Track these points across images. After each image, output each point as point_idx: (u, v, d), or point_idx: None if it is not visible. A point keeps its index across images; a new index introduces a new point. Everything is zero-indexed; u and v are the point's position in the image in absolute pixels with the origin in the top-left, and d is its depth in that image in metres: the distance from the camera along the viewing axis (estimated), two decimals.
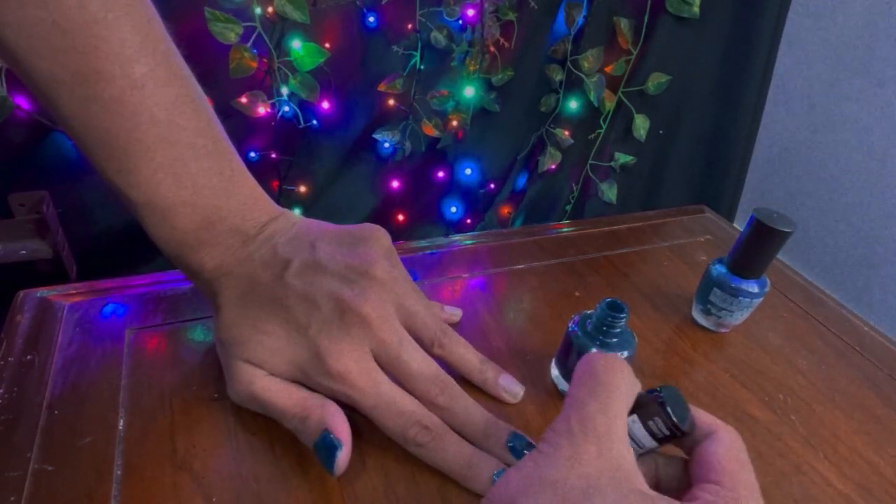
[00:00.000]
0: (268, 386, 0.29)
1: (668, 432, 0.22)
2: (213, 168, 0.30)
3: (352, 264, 0.30)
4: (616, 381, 0.22)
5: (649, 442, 0.22)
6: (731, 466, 0.21)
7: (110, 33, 0.26)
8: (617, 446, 0.20)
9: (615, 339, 0.32)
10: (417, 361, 0.30)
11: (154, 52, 0.27)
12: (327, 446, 0.27)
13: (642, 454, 0.23)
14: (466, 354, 0.33)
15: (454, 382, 0.31)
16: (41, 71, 0.25)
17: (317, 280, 0.30)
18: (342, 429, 0.28)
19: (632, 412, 0.22)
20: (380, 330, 0.29)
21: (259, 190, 0.33)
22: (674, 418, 0.22)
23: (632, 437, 0.22)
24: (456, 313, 0.39)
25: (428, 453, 0.28)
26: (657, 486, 0.23)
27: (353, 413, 0.29)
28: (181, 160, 0.29)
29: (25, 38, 0.25)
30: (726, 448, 0.21)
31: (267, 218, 0.32)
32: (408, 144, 1.11)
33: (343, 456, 0.27)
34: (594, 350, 0.31)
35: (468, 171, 1.22)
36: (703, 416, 0.23)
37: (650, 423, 0.22)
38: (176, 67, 0.29)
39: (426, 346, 0.32)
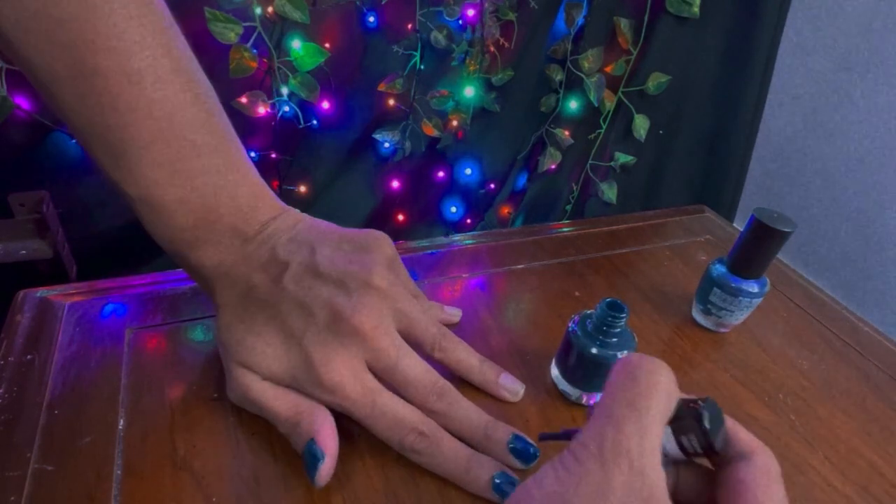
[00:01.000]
0: (262, 390, 0.29)
1: (700, 451, 0.20)
2: (212, 166, 0.30)
3: (350, 271, 0.30)
4: (658, 391, 0.20)
5: (678, 455, 0.21)
6: (765, 496, 0.19)
7: (108, 27, 0.25)
8: (650, 471, 0.18)
9: (615, 339, 0.32)
10: (415, 370, 0.30)
11: (154, 45, 0.27)
12: (311, 457, 0.27)
13: (665, 462, 0.21)
14: (466, 357, 0.33)
15: (452, 388, 0.30)
16: (40, 65, 0.25)
17: (314, 286, 0.29)
18: (327, 438, 0.27)
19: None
20: (374, 340, 0.29)
21: (261, 187, 0.32)
22: (710, 438, 0.20)
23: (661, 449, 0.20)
24: (456, 314, 0.39)
25: (426, 459, 0.28)
26: (675, 493, 0.22)
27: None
28: (179, 157, 0.28)
29: (24, 32, 0.24)
30: (763, 475, 0.20)
31: (268, 217, 0.32)
32: (408, 144, 1.11)
33: (325, 468, 0.26)
34: (595, 350, 0.31)
35: (468, 171, 1.22)
36: (740, 434, 0.21)
37: (683, 438, 0.20)
38: (178, 61, 0.28)
39: (426, 351, 0.31)
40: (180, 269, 0.33)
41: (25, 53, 0.25)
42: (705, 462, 0.22)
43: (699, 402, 0.21)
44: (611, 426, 0.19)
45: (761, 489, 0.19)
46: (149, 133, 0.27)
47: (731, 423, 0.21)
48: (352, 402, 0.28)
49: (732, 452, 0.21)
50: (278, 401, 0.29)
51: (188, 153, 0.29)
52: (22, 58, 0.25)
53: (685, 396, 0.21)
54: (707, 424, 0.20)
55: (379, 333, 0.29)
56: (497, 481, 0.28)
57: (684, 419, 0.20)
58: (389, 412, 0.28)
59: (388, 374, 0.29)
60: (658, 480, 0.18)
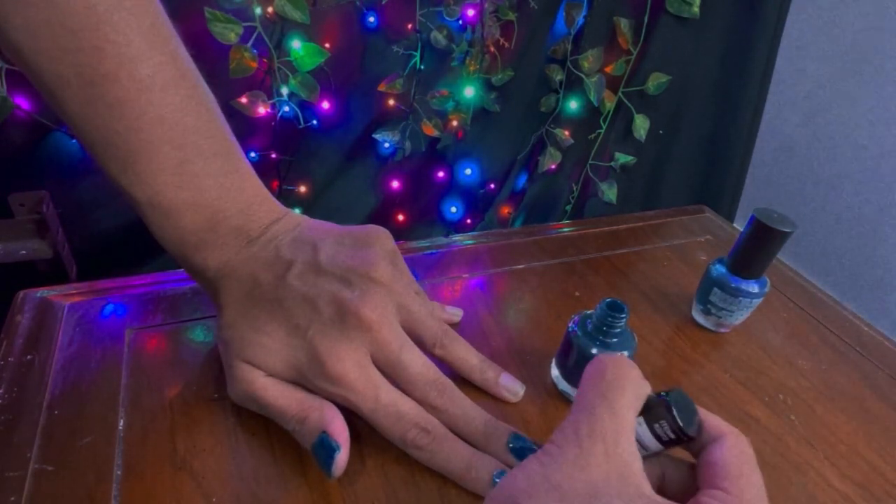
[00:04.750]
0: (267, 386, 0.29)
1: (673, 436, 0.22)
2: (218, 169, 0.30)
3: (353, 266, 0.30)
4: (626, 383, 0.22)
5: (655, 445, 0.22)
6: (737, 471, 0.20)
7: (117, 35, 0.26)
8: (624, 451, 0.20)
9: (615, 339, 0.32)
10: (417, 364, 0.30)
11: (161, 53, 0.27)
12: (325, 448, 0.27)
13: (648, 456, 0.23)
14: (467, 355, 0.33)
15: (453, 385, 0.31)
16: (48, 72, 0.25)
17: (318, 282, 0.30)
18: (340, 431, 0.28)
19: (638, 414, 0.22)
20: (379, 333, 0.29)
21: (264, 190, 0.33)
22: (680, 423, 0.21)
23: (637, 440, 0.22)
24: (457, 313, 0.39)
25: (427, 456, 0.28)
26: (662, 489, 0.23)
27: (353, 414, 0.29)
28: (186, 161, 0.29)
29: (33, 40, 0.25)
30: (734, 453, 0.21)
31: (271, 219, 0.32)
32: (408, 144, 1.11)
33: (341, 458, 0.27)
34: (595, 350, 0.31)
35: (468, 171, 1.22)
36: (711, 420, 0.22)
37: (656, 426, 0.22)
38: (183, 68, 0.29)
39: (427, 348, 0.32)
40: (180, 270, 0.33)
41: (34, 60, 0.25)
42: (683, 452, 0.23)
43: (666, 393, 0.22)
44: (585, 414, 0.21)
45: (734, 466, 0.21)
46: (157, 138, 0.28)
47: (702, 411, 0.23)
48: (356, 393, 0.28)
49: (706, 438, 0.22)
50: (283, 397, 0.29)
51: (195, 157, 0.29)
52: (30, 64, 0.25)
53: (655, 393, 0.23)
54: (676, 411, 0.21)
55: (383, 326, 0.29)
56: (497, 480, 0.28)
57: (655, 408, 0.22)
58: (392, 406, 0.29)
59: (391, 368, 0.30)
60: (631, 457, 0.20)
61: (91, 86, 0.26)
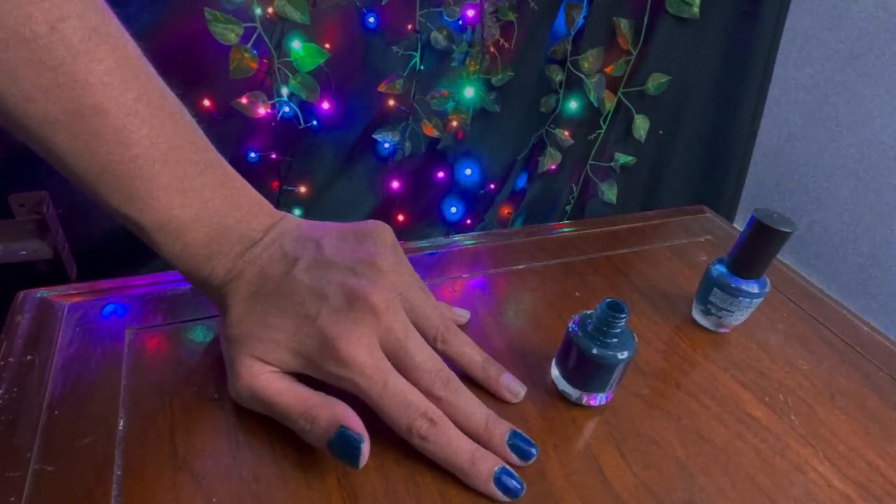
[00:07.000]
0: (271, 384, 0.29)
1: None
2: (215, 180, 0.30)
3: (358, 258, 0.31)
4: None
5: None
6: None
7: (96, 64, 0.25)
8: None
9: (615, 340, 0.32)
10: (422, 353, 0.30)
11: (138, 76, 0.27)
12: (348, 442, 0.27)
13: None
14: (469, 351, 0.33)
15: (456, 377, 0.31)
16: (34, 114, 0.25)
17: (324, 274, 0.30)
18: (357, 423, 0.28)
19: None
20: (387, 319, 0.29)
21: (257, 195, 0.33)
22: None
23: None
24: (464, 315, 0.39)
25: (431, 447, 0.29)
26: None
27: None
28: (186, 177, 0.29)
29: (12, 82, 0.24)
30: None
31: (271, 222, 0.33)
32: (408, 145, 1.11)
33: (367, 448, 0.27)
34: (595, 351, 0.31)
35: (468, 172, 1.22)
36: None
37: None
38: (161, 88, 0.29)
39: (429, 341, 0.32)
40: None
41: (17, 103, 0.24)
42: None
43: None
44: None
45: None
46: (155, 159, 0.28)
47: None
48: (366, 377, 0.28)
49: None
50: (288, 394, 0.29)
51: (192, 172, 0.29)
52: (15, 109, 0.24)
53: None
54: None
55: (391, 312, 0.30)
56: (497, 476, 0.28)
57: None
58: (401, 394, 0.29)
59: (397, 356, 0.30)
60: None
61: (81, 119, 0.25)
